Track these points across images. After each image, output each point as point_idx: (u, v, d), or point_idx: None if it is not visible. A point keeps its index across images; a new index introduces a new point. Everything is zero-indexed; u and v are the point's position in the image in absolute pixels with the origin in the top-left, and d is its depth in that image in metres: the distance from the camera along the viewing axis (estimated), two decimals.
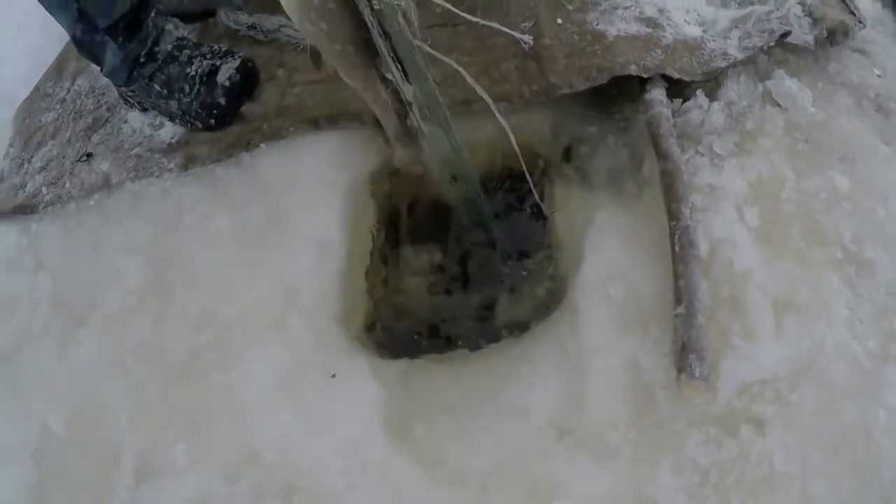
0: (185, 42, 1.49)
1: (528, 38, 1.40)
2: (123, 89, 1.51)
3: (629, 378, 1.17)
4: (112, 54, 1.40)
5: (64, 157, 1.56)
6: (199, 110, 1.46)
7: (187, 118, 1.48)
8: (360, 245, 1.41)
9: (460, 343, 1.38)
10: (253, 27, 1.54)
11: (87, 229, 1.46)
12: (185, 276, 1.36)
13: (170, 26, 1.46)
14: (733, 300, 1.18)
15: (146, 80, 1.45)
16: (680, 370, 1.10)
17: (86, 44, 1.39)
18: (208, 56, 1.48)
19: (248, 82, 1.49)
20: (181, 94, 1.45)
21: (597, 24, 1.43)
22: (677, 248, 1.19)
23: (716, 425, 1.12)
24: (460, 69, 1.33)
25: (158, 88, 1.45)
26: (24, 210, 1.53)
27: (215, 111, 1.46)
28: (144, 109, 1.56)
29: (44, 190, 1.53)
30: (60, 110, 1.67)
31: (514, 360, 1.25)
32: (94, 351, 1.34)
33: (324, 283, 1.34)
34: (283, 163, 1.42)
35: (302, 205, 1.38)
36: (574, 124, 1.47)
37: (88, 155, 1.54)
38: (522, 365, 1.23)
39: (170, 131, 1.51)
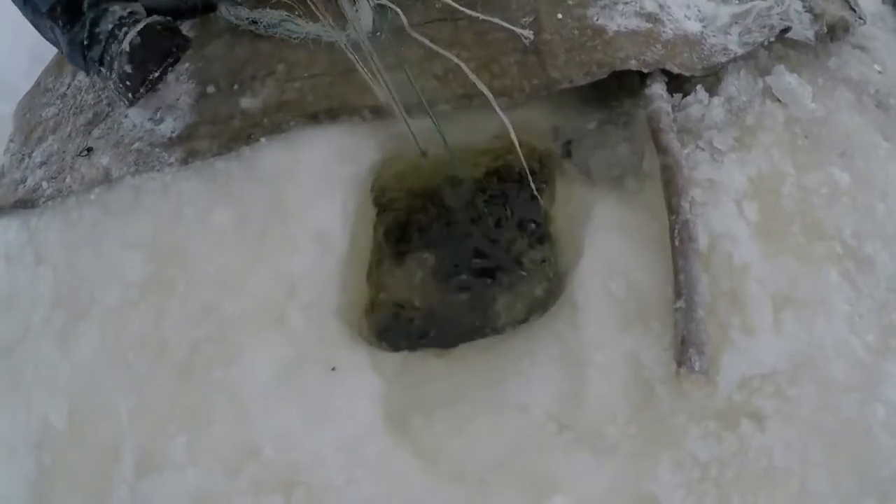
0: (128, 20, 1.40)
1: (528, 32, 1.41)
2: (106, 84, 1.48)
3: (629, 373, 1.17)
4: (62, 39, 1.38)
5: (64, 152, 1.56)
6: (119, 82, 1.40)
7: (117, 94, 1.41)
8: (360, 238, 1.41)
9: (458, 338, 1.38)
10: (253, 22, 1.54)
11: (88, 224, 1.46)
12: (186, 270, 1.36)
13: (115, 7, 1.40)
14: (733, 294, 1.18)
15: (97, 64, 1.40)
16: (679, 364, 1.10)
17: (40, 28, 1.38)
18: (131, 24, 1.39)
19: (153, 46, 1.40)
20: (110, 71, 1.39)
21: (597, 20, 1.43)
22: (677, 243, 1.19)
23: (715, 420, 1.12)
24: (461, 64, 1.34)
25: (105, 71, 1.40)
26: (25, 204, 1.53)
27: (128, 82, 1.39)
28: (131, 104, 1.52)
29: (44, 184, 1.53)
30: (61, 105, 1.67)
31: (513, 354, 1.25)
32: (94, 345, 1.34)
33: (324, 277, 1.34)
34: (283, 157, 1.42)
35: (302, 199, 1.38)
36: (574, 119, 1.48)
37: (89, 149, 1.53)
38: (522, 359, 1.23)
39: (170, 125, 1.51)
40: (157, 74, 1.42)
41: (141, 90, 1.41)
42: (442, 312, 1.41)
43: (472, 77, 1.28)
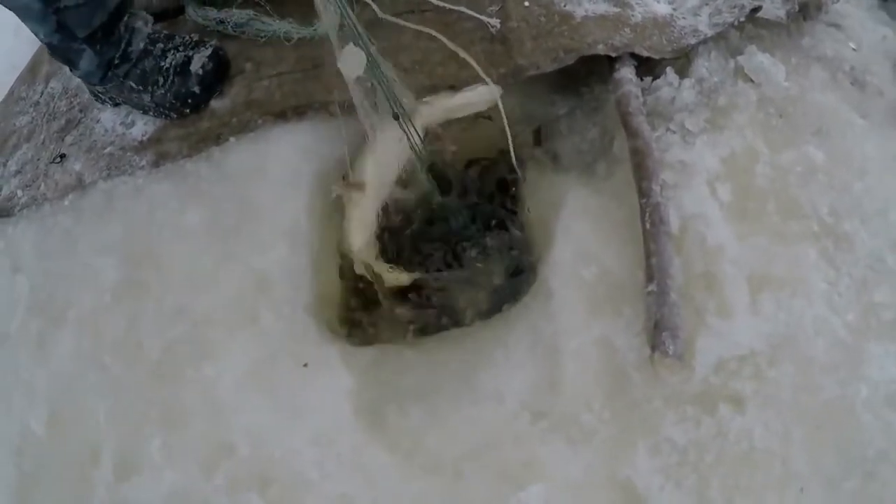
0: (157, 36, 1.50)
1: (495, 21, 1.41)
2: (98, 88, 1.51)
3: (603, 359, 1.16)
4: (88, 60, 1.42)
5: (38, 160, 1.56)
6: (174, 101, 1.47)
7: (161, 109, 1.49)
8: (330, 235, 1.41)
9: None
10: (221, 22, 1.53)
11: (62, 230, 1.46)
12: (159, 271, 1.35)
13: (139, 24, 1.47)
14: (707, 277, 1.17)
15: (121, 79, 1.46)
16: (653, 348, 1.09)
17: (62, 50, 1.41)
18: (181, 48, 1.49)
19: (220, 69, 1.51)
20: (155, 87, 1.46)
21: (564, 6, 1.42)
22: (648, 226, 1.18)
23: (693, 404, 1.11)
24: (444, 39, 1.34)
25: (133, 84, 1.46)
26: (1, 213, 1.53)
27: (190, 100, 1.48)
28: (116, 105, 1.57)
29: (19, 193, 1.53)
30: (34, 113, 1.68)
31: (486, 344, 1.24)
32: (71, 350, 1.34)
33: (295, 274, 1.34)
34: (251, 156, 1.42)
35: (271, 196, 1.38)
36: (543, 106, 1.47)
37: (62, 156, 1.54)
38: (495, 349, 1.22)
39: (141, 129, 1.51)
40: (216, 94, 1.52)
41: (202, 106, 1.51)
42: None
43: (462, 53, 1.28)
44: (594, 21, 1.39)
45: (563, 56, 1.35)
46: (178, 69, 1.46)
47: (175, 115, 1.49)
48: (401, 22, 1.43)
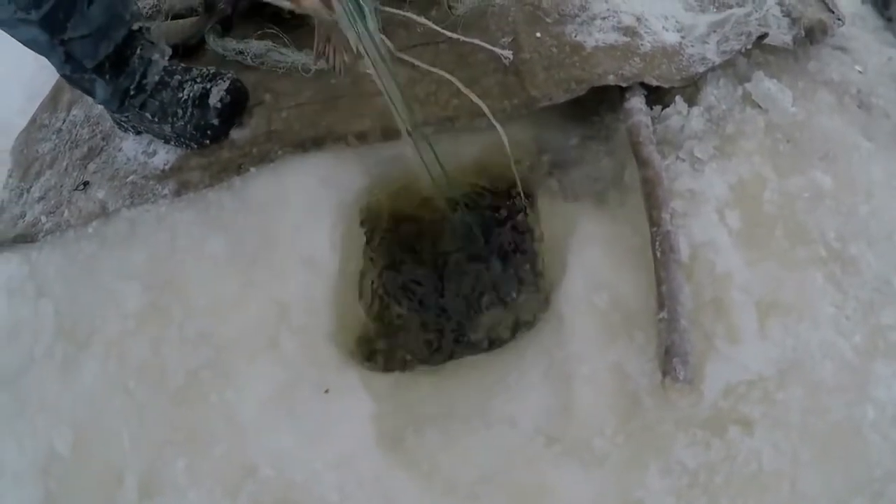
0: (173, 68, 1.52)
1: (507, 52, 1.43)
2: (117, 115, 1.55)
3: (615, 384, 1.18)
4: (102, 89, 1.45)
5: (62, 187, 1.59)
6: (194, 132, 1.50)
7: (182, 139, 1.52)
8: (350, 263, 1.44)
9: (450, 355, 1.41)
10: (240, 52, 1.57)
11: (86, 256, 1.49)
12: (182, 298, 1.38)
13: (156, 56, 1.50)
14: (716, 303, 1.19)
15: (137, 109, 1.49)
16: (664, 374, 1.11)
17: (76, 80, 1.44)
18: (198, 80, 1.51)
19: (238, 102, 1.53)
20: (174, 119, 1.49)
21: (575, 36, 1.45)
22: (659, 254, 1.20)
23: (703, 427, 1.13)
24: (453, 79, 1.36)
25: (150, 116, 1.49)
26: (25, 239, 1.56)
27: (209, 132, 1.50)
28: (139, 133, 1.60)
29: (43, 219, 1.56)
30: (57, 140, 1.70)
31: (501, 370, 1.27)
32: (96, 374, 1.37)
33: (315, 301, 1.37)
34: (272, 185, 1.45)
35: (292, 225, 1.41)
36: (555, 136, 1.49)
37: (85, 184, 1.56)
38: (509, 374, 1.25)
39: (163, 158, 1.54)
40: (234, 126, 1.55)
41: (221, 137, 1.53)
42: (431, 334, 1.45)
43: (463, 89, 1.30)
44: (604, 51, 1.42)
45: (575, 87, 1.38)
46: (197, 101, 1.49)
47: (195, 146, 1.52)
48: (415, 62, 1.46)
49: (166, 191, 1.48)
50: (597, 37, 1.44)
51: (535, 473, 1.16)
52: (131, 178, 1.53)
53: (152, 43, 1.51)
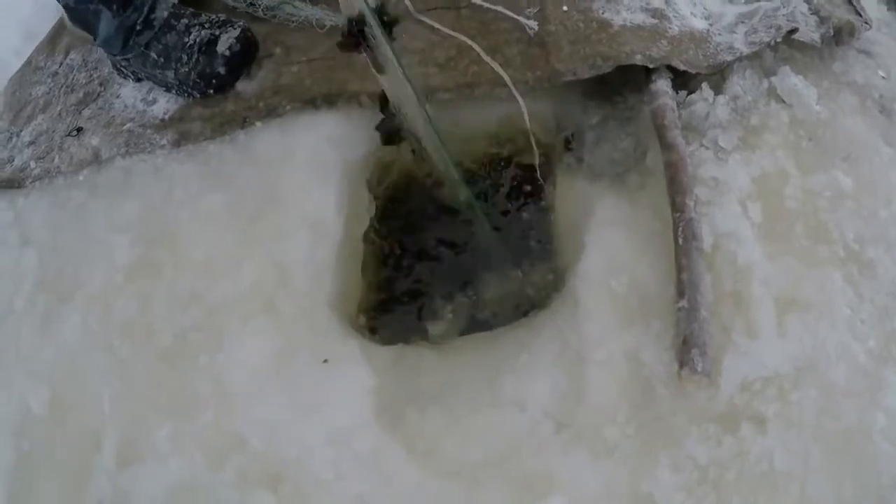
0: (182, 10, 1.47)
1: (533, 23, 1.39)
2: (118, 58, 1.48)
3: (629, 372, 1.14)
4: (106, 23, 1.39)
5: (54, 132, 1.53)
6: (198, 80, 1.44)
7: (184, 87, 1.46)
8: (355, 227, 1.38)
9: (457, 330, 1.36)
10: (251, 4, 1.51)
11: (75, 205, 1.43)
12: (175, 254, 1.32)
13: None
14: (736, 295, 1.16)
15: (142, 48, 1.43)
16: (682, 364, 1.08)
17: (80, 12, 1.39)
18: (207, 25, 1.45)
19: (247, 52, 1.47)
20: (178, 64, 1.43)
21: (602, 13, 1.41)
22: (681, 241, 1.17)
23: (716, 422, 1.09)
24: (473, 45, 1.31)
25: (155, 57, 1.43)
26: (11, 184, 1.49)
27: (214, 80, 1.44)
28: (139, 80, 1.53)
29: (32, 164, 1.50)
30: (52, 84, 1.64)
31: (511, 349, 1.23)
32: (77, 330, 1.30)
33: (317, 265, 1.31)
34: (278, 142, 1.39)
35: (297, 185, 1.35)
36: (577, 113, 1.45)
37: (79, 129, 1.51)
38: (520, 355, 1.20)
39: (163, 107, 1.48)
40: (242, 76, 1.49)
41: (226, 88, 1.47)
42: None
43: (486, 58, 1.26)
44: (631, 31, 1.38)
45: (601, 64, 1.34)
46: (204, 48, 1.42)
47: (198, 95, 1.46)
48: (435, 24, 1.42)
49: (165, 141, 1.42)
50: (624, 16, 1.41)
51: (542, 460, 1.11)
52: (128, 125, 1.47)
53: None
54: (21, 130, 1.58)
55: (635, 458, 1.09)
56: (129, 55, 1.45)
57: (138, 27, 1.41)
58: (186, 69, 1.43)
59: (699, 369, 1.07)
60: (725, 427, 1.09)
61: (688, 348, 1.08)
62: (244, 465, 1.15)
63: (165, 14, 1.44)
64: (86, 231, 1.38)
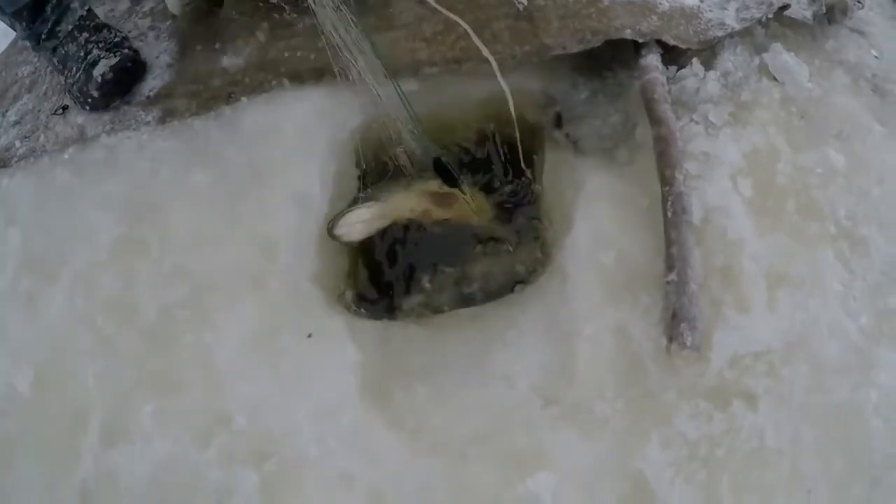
0: (86, 23, 1.51)
1: None
2: None
3: (618, 347, 1.14)
4: (20, 31, 1.48)
5: (39, 111, 1.53)
6: (78, 94, 1.48)
7: (72, 96, 1.50)
8: (341, 203, 1.37)
9: (444, 309, 1.34)
10: None
11: (60, 184, 1.42)
12: (160, 231, 1.32)
13: (74, 4, 1.49)
14: (726, 270, 1.15)
15: (49, 52, 1.49)
16: (671, 339, 1.07)
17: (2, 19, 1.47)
18: (101, 45, 1.49)
19: (121, 81, 1.49)
20: (69, 74, 1.48)
21: None
22: (670, 214, 1.16)
23: (706, 398, 1.09)
24: (461, 21, 1.30)
25: (56, 62, 1.49)
26: None
27: (90, 100, 1.47)
28: None
29: (17, 143, 1.49)
30: (38, 64, 1.64)
31: (499, 325, 1.22)
32: (62, 308, 1.30)
33: (303, 241, 1.30)
34: (264, 117, 1.39)
35: (282, 161, 1.34)
36: (566, 88, 1.44)
37: (64, 108, 1.51)
38: (508, 331, 1.19)
39: (148, 84, 1.48)
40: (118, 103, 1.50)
41: (104, 107, 1.49)
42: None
43: (474, 37, 1.25)
44: (622, 5, 1.37)
45: (591, 38, 1.33)
46: (87, 67, 1.46)
47: (81, 106, 1.50)
48: None
49: (150, 118, 1.42)
50: None
51: (531, 436, 1.10)
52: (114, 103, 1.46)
53: None
54: (7, 110, 1.57)
55: (625, 435, 1.09)
56: (40, 54, 1.53)
57: (44, 36, 1.47)
58: (71, 81, 1.47)
59: (688, 344, 1.06)
60: (716, 403, 1.08)
61: (677, 322, 1.07)
62: (229, 444, 1.15)
63: (70, 27, 1.48)
64: (71, 209, 1.38)
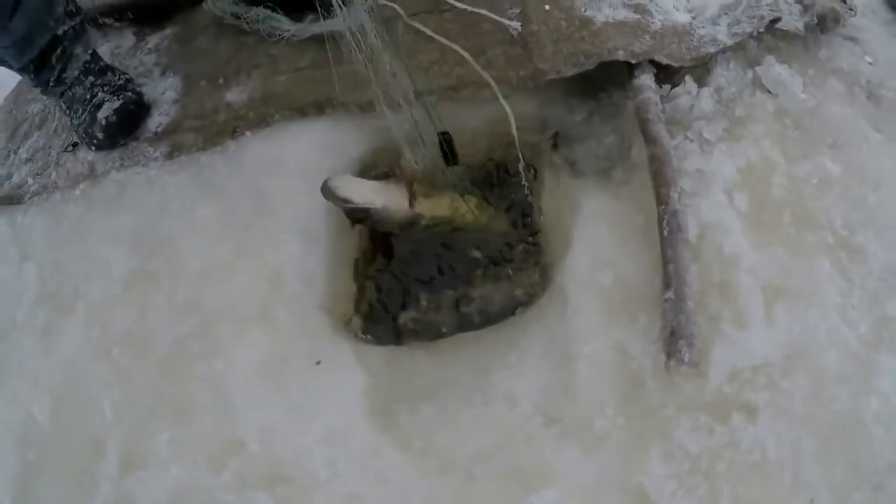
0: (91, 67, 1.55)
1: (515, 24, 1.40)
2: None
3: (617, 365, 1.15)
4: (29, 80, 1.52)
5: (50, 148, 1.56)
6: (84, 135, 1.52)
7: (78, 135, 1.54)
8: (345, 232, 1.39)
9: (444, 331, 1.37)
10: (237, 17, 1.53)
11: (73, 219, 1.46)
12: (170, 264, 1.35)
13: (78, 50, 1.53)
14: (723, 286, 1.16)
15: (57, 97, 1.54)
16: (669, 356, 1.08)
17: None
18: (105, 88, 1.53)
19: (125, 123, 1.52)
20: (74, 115, 1.52)
21: (584, 10, 1.42)
22: (666, 233, 1.17)
23: (706, 412, 1.10)
24: (458, 48, 1.32)
25: (63, 105, 1.53)
26: (10, 200, 1.53)
27: (95, 141, 1.51)
28: None
29: (30, 180, 1.53)
30: (47, 101, 1.67)
31: (500, 346, 1.24)
32: (78, 341, 1.33)
33: (309, 271, 1.33)
34: (268, 150, 1.42)
35: (287, 192, 1.37)
36: (561, 111, 1.46)
37: (74, 145, 1.55)
38: (510, 352, 1.22)
39: (156, 121, 1.52)
40: (123, 143, 1.54)
41: (109, 148, 1.53)
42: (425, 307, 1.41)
43: (471, 61, 1.27)
44: (614, 27, 1.39)
45: (584, 61, 1.35)
46: (92, 109, 1.50)
47: (87, 147, 1.54)
48: (420, 26, 1.43)
49: (158, 153, 1.45)
50: (606, 12, 1.41)
51: (534, 454, 1.12)
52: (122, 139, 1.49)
53: (78, 37, 1.52)
54: (18, 147, 1.61)
55: (626, 450, 1.10)
56: (48, 96, 1.56)
57: (51, 83, 1.50)
58: (78, 122, 1.51)
59: (686, 360, 1.07)
60: (716, 417, 1.09)
61: (675, 339, 1.09)
62: (242, 468, 1.18)
63: (76, 73, 1.52)
64: (83, 244, 1.41)
